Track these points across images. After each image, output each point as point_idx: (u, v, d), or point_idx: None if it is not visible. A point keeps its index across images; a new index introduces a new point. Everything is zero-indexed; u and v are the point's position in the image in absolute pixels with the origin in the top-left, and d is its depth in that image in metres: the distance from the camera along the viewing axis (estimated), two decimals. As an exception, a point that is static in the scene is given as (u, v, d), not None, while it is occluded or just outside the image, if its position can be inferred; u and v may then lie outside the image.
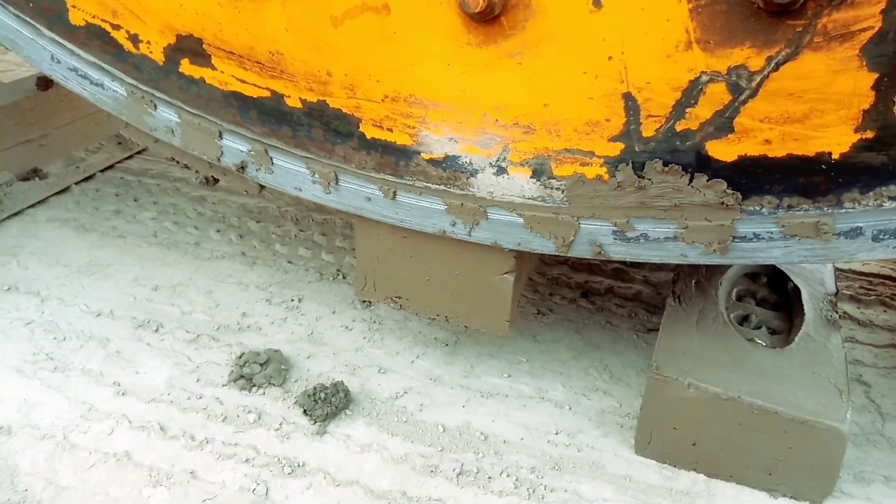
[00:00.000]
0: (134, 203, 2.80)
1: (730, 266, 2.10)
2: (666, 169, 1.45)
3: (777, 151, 1.38)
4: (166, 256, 2.49)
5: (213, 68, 1.76)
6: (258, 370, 1.94)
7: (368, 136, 1.67)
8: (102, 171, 3.03)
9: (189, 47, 1.76)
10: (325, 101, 1.68)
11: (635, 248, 1.57)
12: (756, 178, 1.42)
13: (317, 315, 2.24)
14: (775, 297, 2.06)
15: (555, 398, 1.95)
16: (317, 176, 1.76)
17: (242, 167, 1.84)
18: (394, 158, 1.67)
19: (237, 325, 2.18)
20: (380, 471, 1.71)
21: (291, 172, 1.79)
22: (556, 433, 1.84)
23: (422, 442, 1.79)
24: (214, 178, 2.00)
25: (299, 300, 2.31)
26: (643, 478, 1.73)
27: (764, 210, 1.44)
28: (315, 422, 1.82)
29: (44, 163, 2.93)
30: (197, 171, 1.99)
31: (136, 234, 2.61)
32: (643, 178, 1.48)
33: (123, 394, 1.90)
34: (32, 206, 2.73)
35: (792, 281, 2.03)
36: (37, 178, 2.85)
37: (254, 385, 1.93)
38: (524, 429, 1.84)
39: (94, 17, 1.85)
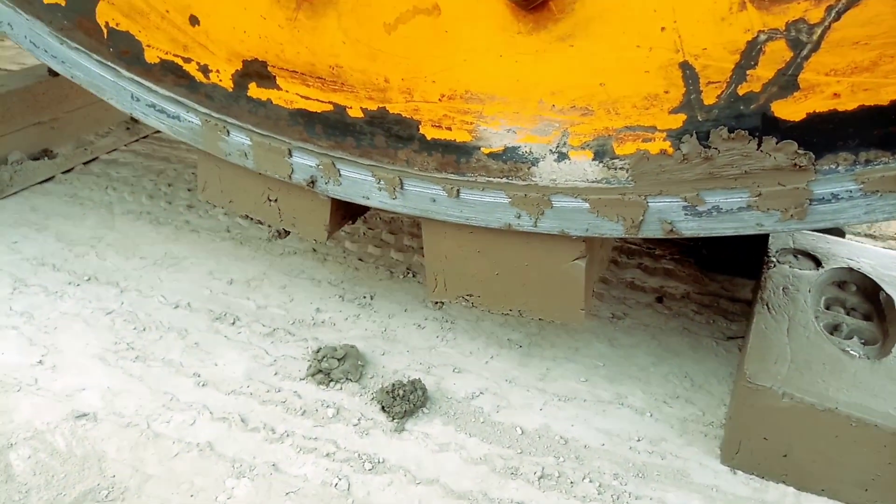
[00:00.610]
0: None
1: (819, 273, 2.03)
2: (732, 135, 1.39)
3: (848, 104, 1.31)
4: (240, 251, 2.52)
5: (279, 88, 1.80)
6: (336, 365, 1.94)
7: (429, 138, 1.68)
8: (108, 153, 3.19)
9: (255, 71, 1.81)
10: (384, 107, 1.70)
11: (708, 221, 1.50)
12: (828, 134, 1.34)
13: (389, 312, 2.24)
14: (866, 307, 1.98)
15: (634, 404, 1.90)
16: (382, 183, 1.77)
17: (312, 182, 1.87)
18: (455, 157, 1.67)
19: (312, 320, 2.19)
20: (460, 471, 1.69)
21: (358, 182, 1.81)
22: (638, 440, 1.79)
23: (500, 443, 1.77)
24: (286, 231, 2.06)
25: (371, 297, 2.30)
26: (731, 489, 1.67)
27: (840, 168, 1.35)
28: (393, 419, 1.81)
29: (54, 144, 3.06)
30: (269, 226, 2.05)
31: (210, 228, 2.64)
32: (709, 147, 1.42)
33: (203, 385, 1.91)
34: (109, 200, 2.80)
35: (884, 290, 1.95)
36: (46, 158, 2.98)
37: (331, 380, 1.93)
38: (605, 434, 1.81)
39: (167, 53, 1.93)
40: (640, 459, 1.74)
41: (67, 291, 2.25)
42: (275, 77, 1.80)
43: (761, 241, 2.36)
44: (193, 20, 1.85)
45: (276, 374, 1.97)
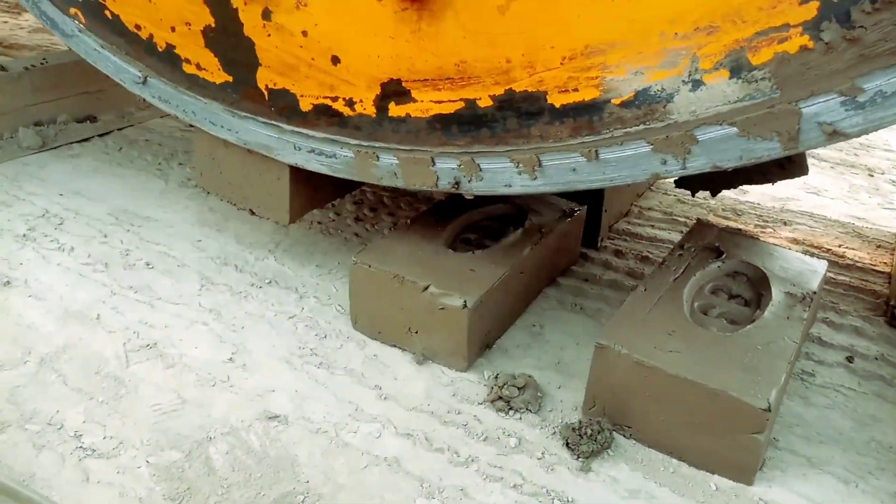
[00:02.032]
0: (371, 213, 2.89)
1: None
2: (876, 6, 1.26)
3: None
4: (408, 267, 2.54)
5: (414, 101, 1.89)
6: (516, 394, 1.91)
7: (558, 105, 1.70)
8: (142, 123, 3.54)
9: (392, 90, 1.92)
10: (511, 88, 1.75)
11: (874, 111, 1.34)
12: None
13: (560, 344, 2.19)
14: None
15: (836, 472, 1.77)
16: (521, 165, 1.79)
17: (457, 184, 1.92)
18: (587, 117, 1.67)
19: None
20: (653, 521, 1.62)
21: (498, 171, 1.84)
22: (846, 511, 1.66)
23: (693, 497, 1.68)
24: (426, 357, 2.09)
25: (541, 326, 2.27)
26: (958, 580, 1.52)
27: None
28: (578, 457, 1.76)
29: (98, 112, 3.49)
30: (413, 353, 2.09)
31: (378, 242, 2.69)
32: (853, 27, 1.30)
33: (385, 398, 1.93)
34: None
35: None
36: (88, 122, 3.41)
37: (511, 408, 1.90)
38: (807, 500, 1.68)
39: (317, 98, 2.08)
40: (850, 534, 1.61)
41: (251, 293, 2.33)
42: (409, 91, 1.89)
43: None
44: (335, 60, 1.98)
45: (453, 395, 1.96)
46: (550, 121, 1.72)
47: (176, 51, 2.36)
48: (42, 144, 3.20)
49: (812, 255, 2.65)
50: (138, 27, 2.41)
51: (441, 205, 2.41)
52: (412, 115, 1.92)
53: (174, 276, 2.40)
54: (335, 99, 2.05)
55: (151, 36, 2.39)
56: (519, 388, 1.93)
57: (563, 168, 1.74)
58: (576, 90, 1.66)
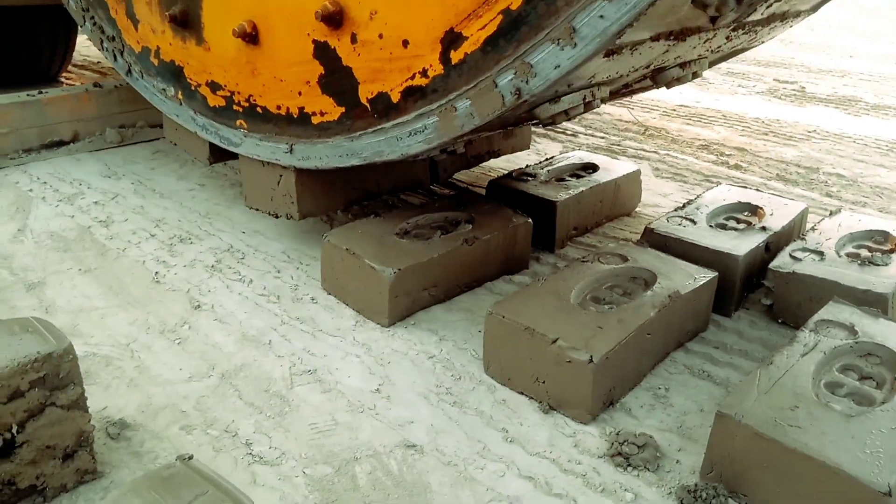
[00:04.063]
0: (509, 265, 3.10)
1: None
2: None
3: None
4: (540, 320, 2.71)
5: (466, 38, 2.19)
6: (636, 451, 2.01)
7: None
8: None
9: (449, 41, 2.24)
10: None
11: None
12: None
13: (684, 409, 2.27)
14: None
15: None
16: (560, 41, 2.01)
17: (518, 92, 2.15)
18: None
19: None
20: (762, 590, 1.66)
21: (545, 58, 2.05)
22: None
23: (807, 573, 1.71)
24: (551, 407, 2.20)
25: (666, 389, 2.35)
26: None
27: None
28: (692, 519, 1.84)
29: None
30: (540, 402, 2.23)
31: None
32: None
33: (511, 441, 2.10)
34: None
35: None
36: (159, 128, 4.47)
37: (629, 465, 2.00)
38: None
39: (401, 84, 2.44)
40: None
41: (397, 332, 2.60)
42: (461, 32, 2.19)
43: None
44: (405, 43, 2.33)
45: (575, 446, 2.09)
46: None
47: (306, 110, 2.78)
48: (121, 140, 4.40)
49: (965, 341, 2.54)
50: (279, 107, 2.88)
51: (574, 264, 2.58)
52: (469, 52, 2.21)
53: (334, 312, 2.72)
54: (413, 76, 2.37)
55: (288, 109, 2.84)
56: (639, 447, 2.03)
57: (592, 21, 1.93)
58: None
